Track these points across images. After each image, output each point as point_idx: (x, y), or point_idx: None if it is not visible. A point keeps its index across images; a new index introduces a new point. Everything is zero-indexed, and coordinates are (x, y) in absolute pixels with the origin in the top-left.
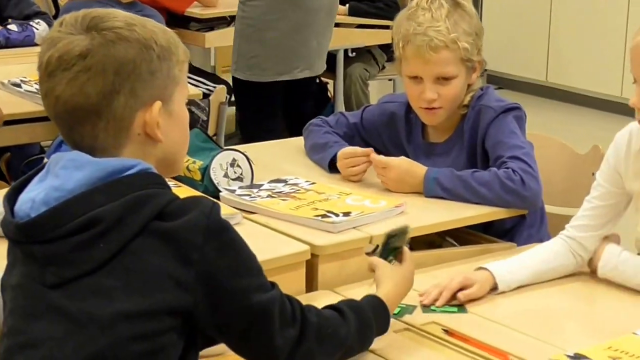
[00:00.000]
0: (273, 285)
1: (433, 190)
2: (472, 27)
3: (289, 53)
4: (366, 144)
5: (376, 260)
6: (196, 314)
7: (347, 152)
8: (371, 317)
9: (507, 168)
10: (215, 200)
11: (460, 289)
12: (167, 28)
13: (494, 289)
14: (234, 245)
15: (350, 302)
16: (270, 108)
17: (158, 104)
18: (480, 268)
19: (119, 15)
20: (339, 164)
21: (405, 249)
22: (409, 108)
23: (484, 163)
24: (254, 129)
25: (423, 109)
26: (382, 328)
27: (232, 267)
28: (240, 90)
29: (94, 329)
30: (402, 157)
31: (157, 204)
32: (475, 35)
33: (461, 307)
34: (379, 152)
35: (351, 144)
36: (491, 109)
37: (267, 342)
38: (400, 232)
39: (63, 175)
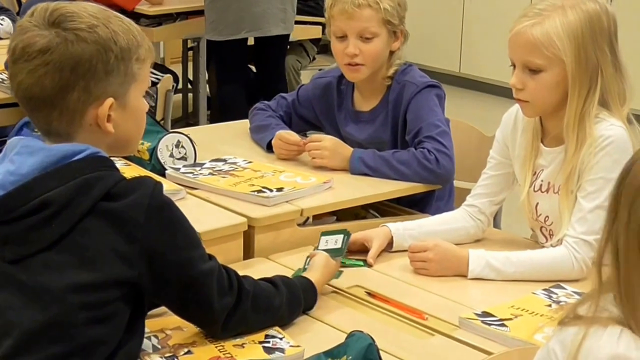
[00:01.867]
0: (211, 257)
1: (358, 167)
2: None
3: (236, 18)
4: (301, 119)
5: (317, 251)
6: (141, 285)
7: (282, 136)
8: (301, 294)
9: (423, 148)
10: (160, 178)
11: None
12: (132, 27)
13: (390, 244)
14: (175, 221)
15: (284, 278)
16: (233, 61)
17: (109, 101)
18: (382, 225)
19: (84, 15)
20: (273, 142)
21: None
22: (340, 81)
23: (404, 133)
24: (222, 79)
25: (346, 66)
26: (309, 305)
27: (173, 242)
28: (211, 47)
29: (48, 300)
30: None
31: (104, 186)
32: (397, 4)
33: (366, 262)
34: (312, 124)
35: (290, 120)
36: (414, 84)
37: (206, 307)
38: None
39: (17, 160)
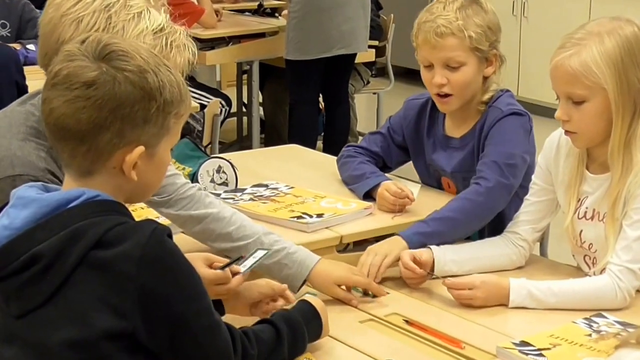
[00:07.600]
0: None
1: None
2: (484, 21)
3: (325, 36)
4: (400, 148)
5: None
6: (137, 336)
7: (390, 188)
8: (304, 329)
9: (477, 182)
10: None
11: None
12: (179, 80)
13: (432, 269)
14: (171, 272)
15: (286, 314)
16: (312, 82)
17: (140, 149)
18: (427, 247)
19: (136, 57)
20: (379, 193)
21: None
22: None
23: None
24: (299, 99)
25: (436, 96)
26: (315, 335)
27: (169, 295)
28: (290, 69)
29: (48, 356)
30: None
31: (95, 234)
32: (487, 28)
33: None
34: (403, 147)
35: (389, 154)
36: (499, 110)
37: None
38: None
39: (12, 214)
